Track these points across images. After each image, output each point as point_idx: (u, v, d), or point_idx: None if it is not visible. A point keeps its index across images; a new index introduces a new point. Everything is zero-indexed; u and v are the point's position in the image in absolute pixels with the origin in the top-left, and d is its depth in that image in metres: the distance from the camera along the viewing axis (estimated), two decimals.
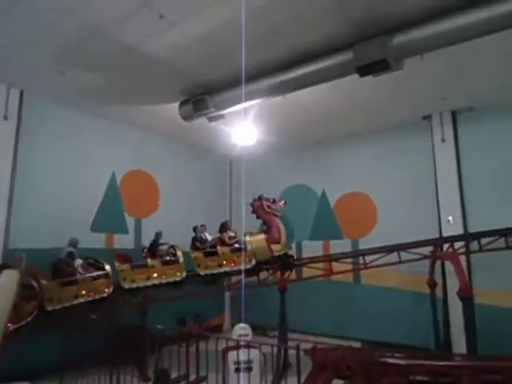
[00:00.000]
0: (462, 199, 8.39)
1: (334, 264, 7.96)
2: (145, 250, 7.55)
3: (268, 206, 7.50)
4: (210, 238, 7.91)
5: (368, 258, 7.75)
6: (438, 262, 8.12)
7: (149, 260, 7.26)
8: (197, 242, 7.72)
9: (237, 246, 7.47)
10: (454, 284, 7.04)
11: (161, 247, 7.64)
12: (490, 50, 6.02)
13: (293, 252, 9.54)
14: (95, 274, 6.75)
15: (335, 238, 10.10)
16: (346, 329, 9.31)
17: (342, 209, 10.25)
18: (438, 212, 8.57)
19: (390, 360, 4.11)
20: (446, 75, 7.00)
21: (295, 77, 6.23)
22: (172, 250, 7.52)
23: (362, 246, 9.32)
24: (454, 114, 8.70)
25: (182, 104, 7.75)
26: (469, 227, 8.20)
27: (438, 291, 8.16)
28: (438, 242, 7.70)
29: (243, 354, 5.03)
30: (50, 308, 6.09)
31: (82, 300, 6.46)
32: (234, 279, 8.29)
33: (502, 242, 7.19)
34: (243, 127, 8.43)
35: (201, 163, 11.41)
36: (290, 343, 5.93)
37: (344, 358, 4.23)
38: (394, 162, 9.51)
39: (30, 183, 7.45)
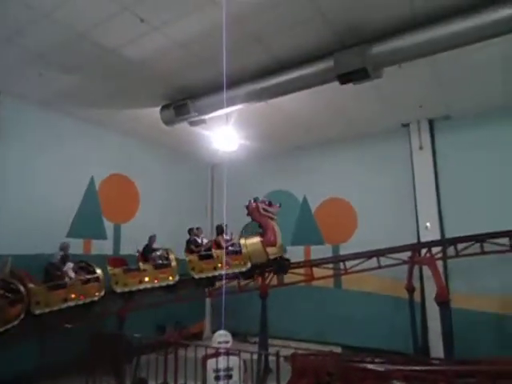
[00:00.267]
0: (439, 205, 8.58)
1: (314, 269, 8.01)
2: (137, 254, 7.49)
3: (264, 209, 7.46)
4: (205, 241, 7.83)
5: (348, 264, 7.84)
6: (417, 267, 8.26)
7: (141, 264, 7.25)
8: (191, 245, 7.62)
9: (232, 248, 7.42)
10: (431, 289, 7.18)
11: (156, 253, 7.53)
12: (465, 60, 6.21)
13: None
14: (85, 277, 6.71)
15: (316, 244, 10.17)
16: (326, 334, 9.35)
17: (322, 214, 10.33)
18: (416, 217, 8.73)
19: (369, 366, 4.15)
20: (423, 84, 7.18)
21: (277, 83, 6.27)
22: (165, 253, 7.48)
23: (342, 252, 9.40)
24: (431, 122, 8.93)
25: (163, 108, 7.70)
26: (446, 233, 8.39)
27: (417, 296, 8.30)
28: (415, 248, 7.84)
29: (223, 362, 4.98)
30: (37, 311, 6.02)
31: (71, 304, 6.41)
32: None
33: (477, 248, 7.36)
34: (225, 132, 8.42)
35: (182, 168, 11.33)
36: (271, 349, 5.92)
37: (323, 364, 4.24)
38: (374, 168, 9.66)
39: (4, 187, 7.23)
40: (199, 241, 7.74)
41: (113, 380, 6.35)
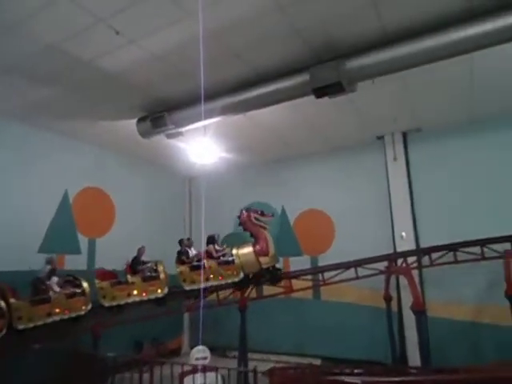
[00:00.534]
0: (413, 215, 8.77)
1: (293, 281, 7.99)
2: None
3: (256, 218, 7.35)
4: (194, 252, 7.66)
5: (327, 275, 7.85)
6: (394, 276, 8.37)
7: (129, 276, 7.06)
8: (183, 256, 7.44)
9: (224, 259, 7.29)
10: (408, 298, 7.25)
11: (146, 265, 7.34)
12: (435, 75, 6.43)
13: None
14: (70, 291, 6.53)
15: (295, 255, 10.17)
16: (306, 346, 9.30)
17: (301, 226, 10.38)
18: (392, 227, 8.89)
19: (346, 379, 4.14)
20: (395, 98, 7.40)
21: (254, 96, 6.32)
22: (154, 265, 7.31)
23: (321, 263, 9.41)
24: (404, 135, 9.18)
25: (139, 120, 7.61)
26: (420, 242, 8.56)
27: (394, 305, 8.40)
28: (392, 257, 7.96)
29: (200, 379, 4.86)
30: (20, 327, 5.81)
31: (56, 318, 6.22)
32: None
33: (451, 256, 7.52)
34: (202, 145, 8.39)
35: (159, 181, 11.18)
36: (250, 364, 5.83)
37: (301, 378, 4.20)
38: (351, 179, 9.82)
39: None
40: (191, 253, 7.57)
41: None
